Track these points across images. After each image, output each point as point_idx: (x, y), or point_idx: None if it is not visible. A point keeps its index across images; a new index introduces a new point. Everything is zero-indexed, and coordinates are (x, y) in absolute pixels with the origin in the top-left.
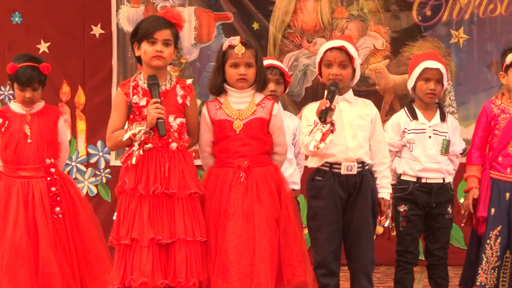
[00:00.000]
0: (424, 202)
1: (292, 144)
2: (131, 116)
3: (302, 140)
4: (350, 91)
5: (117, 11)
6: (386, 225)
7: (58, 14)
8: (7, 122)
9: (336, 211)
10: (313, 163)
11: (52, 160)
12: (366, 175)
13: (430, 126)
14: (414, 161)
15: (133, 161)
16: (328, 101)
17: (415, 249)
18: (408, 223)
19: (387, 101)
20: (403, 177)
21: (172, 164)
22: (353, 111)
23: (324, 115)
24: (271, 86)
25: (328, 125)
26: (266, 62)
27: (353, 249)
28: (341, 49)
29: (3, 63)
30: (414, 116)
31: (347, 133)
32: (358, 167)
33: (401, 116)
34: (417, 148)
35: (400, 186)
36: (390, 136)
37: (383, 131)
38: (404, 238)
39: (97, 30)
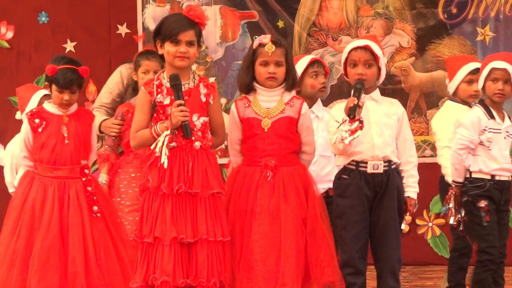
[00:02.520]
0: (497, 199)
1: None
2: (155, 115)
3: (329, 139)
4: (377, 90)
5: (142, 11)
6: (403, 227)
7: (84, 14)
8: (44, 122)
9: (362, 210)
10: (340, 161)
11: (86, 161)
12: (392, 174)
13: (504, 127)
14: (490, 160)
15: (165, 165)
16: (355, 98)
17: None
18: (492, 217)
19: (412, 99)
20: (477, 175)
21: (195, 163)
22: (380, 109)
23: (352, 112)
24: (321, 79)
25: (357, 122)
26: (309, 57)
27: (380, 248)
28: (366, 48)
29: (29, 63)
30: (491, 116)
31: (373, 131)
32: (384, 166)
33: (480, 113)
34: (494, 148)
35: (476, 183)
36: (471, 133)
37: (410, 129)
38: (489, 233)
39: (123, 30)
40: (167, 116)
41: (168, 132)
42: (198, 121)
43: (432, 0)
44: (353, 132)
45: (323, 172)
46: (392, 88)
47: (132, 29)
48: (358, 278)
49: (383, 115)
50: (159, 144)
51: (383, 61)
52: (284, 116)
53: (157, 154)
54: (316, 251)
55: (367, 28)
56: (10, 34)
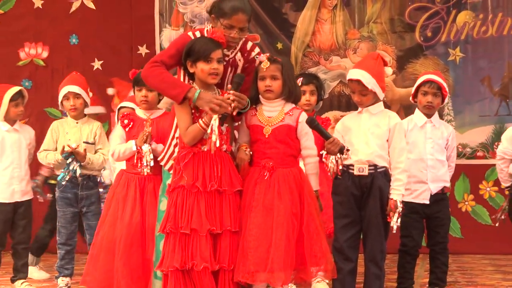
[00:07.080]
0: None
1: (445, 148)
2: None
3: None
4: (376, 105)
5: (160, 33)
6: (392, 224)
7: (110, 36)
8: (131, 123)
9: (349, 206)
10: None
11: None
12: (377, 176)
13: None
14: None
15: (218, 143)
16: (342, 144)
17: None
18: None
19: (393, 111)
20: None
21: (223, 164)
22: (372, 120)
23: (340, 152)
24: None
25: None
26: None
27: (365, 241)
28: (358, 81)
29: (62, 79)
30: None
31: (361, 140)
32: (369, 169)
33: None
34: None
35: None
36: (505, 146)
37: (401, 139)
38: None
39: (143, 50)
40: (201, 112)
41: (216, 117)
42: (223, 127)
43: (410, 25)
44: (342, 162)
45: (439, 173)
46: None
47: (151, 49)
48: (347, 264)
49: (373, 125)
50: (212, 127)
51: (375, 86)
52: (283, 124)
53: (208, 135)
54: (311, 243)
55: (354, 49)
56: (45, 54)
